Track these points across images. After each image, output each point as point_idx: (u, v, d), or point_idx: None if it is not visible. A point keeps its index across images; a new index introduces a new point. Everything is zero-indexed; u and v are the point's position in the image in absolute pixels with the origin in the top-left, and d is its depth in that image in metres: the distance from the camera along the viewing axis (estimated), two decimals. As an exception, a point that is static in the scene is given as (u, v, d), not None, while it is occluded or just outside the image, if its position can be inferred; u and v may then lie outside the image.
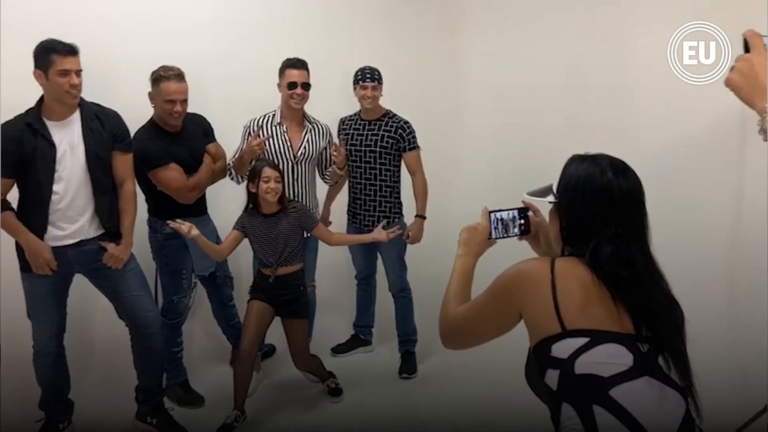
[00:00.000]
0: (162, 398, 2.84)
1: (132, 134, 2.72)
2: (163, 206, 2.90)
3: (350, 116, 3.39)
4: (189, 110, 2.91)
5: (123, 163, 2.61)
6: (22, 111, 2.49)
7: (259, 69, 3.36)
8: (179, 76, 2.81)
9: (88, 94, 2.55)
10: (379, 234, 2.97)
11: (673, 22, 2.86)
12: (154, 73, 2.82)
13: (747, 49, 1.12)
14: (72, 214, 2.51)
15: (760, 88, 1.09)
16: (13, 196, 2.53)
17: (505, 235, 1.54)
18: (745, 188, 2.79)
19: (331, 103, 3.50)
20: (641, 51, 3.11)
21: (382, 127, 3.25)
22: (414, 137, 3.28)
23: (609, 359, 1.13)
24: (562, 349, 1.15)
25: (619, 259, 1.21)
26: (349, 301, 3.73)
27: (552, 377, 1.16)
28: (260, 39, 3.58)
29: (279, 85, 3.12)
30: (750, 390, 2.52)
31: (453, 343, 1.44)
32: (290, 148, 3.14)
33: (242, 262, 3.35)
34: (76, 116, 2.51)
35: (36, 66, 2.41)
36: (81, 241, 2.55)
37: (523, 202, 1.53)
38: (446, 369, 3.35)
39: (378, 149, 3.24)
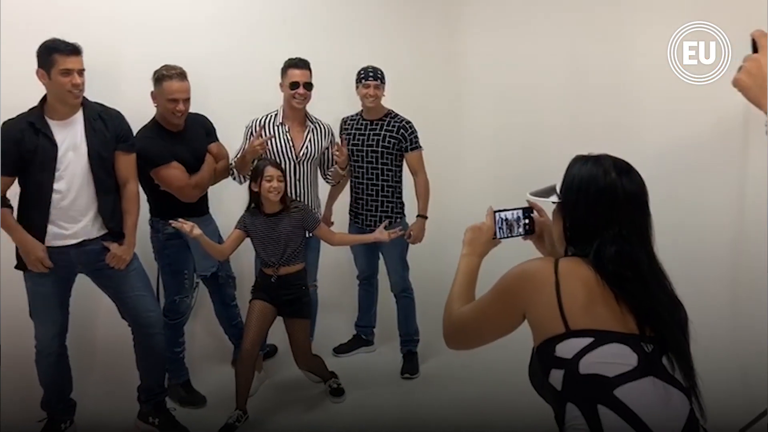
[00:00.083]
0: (164, 398, 2.84)
1: (134, 134, 2.72)
2: (164, 206, 2.90)
3: (352, 116, 3.39)
4: (191, 110, 2.91)
5: (126, 163, 2.61)
6: (22, 111, 2.49)
7: (261, 69, 3.36)
8: (181, 75, 2.82)
9: (90, 94, 2.55)
10: (380, 234, 2.97)
11: (673, 22, 2.86)
12: (156, 72, 2.82)
13: (755, 49, 1.12)
14: (74, 213, 2.51)
15: None
16: (15, 191, 2.54)
17: (510, 235, 1.54)
18: (746, 188, 2.80)
19: (333, 102, 3.50)
20: (641, 51, 3.12)
21: (384, 127, 3.25)
22: (416, 137, 3.28)
23: (613, 359, 1.13)
24: (567, 349, 1.15)
25: (622, 259, 1.22)
26: (351, 301, 3.73)
27: (556, 377, 1.16)
28: (262, 39, 3.59)
29: (281, 85, 3.13)
30: (751, 390, 2.52)
31: (457, 343, 1.44)
32: (292, 148, 3.14)
33: (244, 262, 3.35)
34: (79, 116, 2.51)
35: (39, 65, 2.41)
36: (84, 241, 2.55)
37: (528, 201, 1.53)
38: (448, 369, 3.35)
39: (380, 149, 3.24)
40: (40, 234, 2.48)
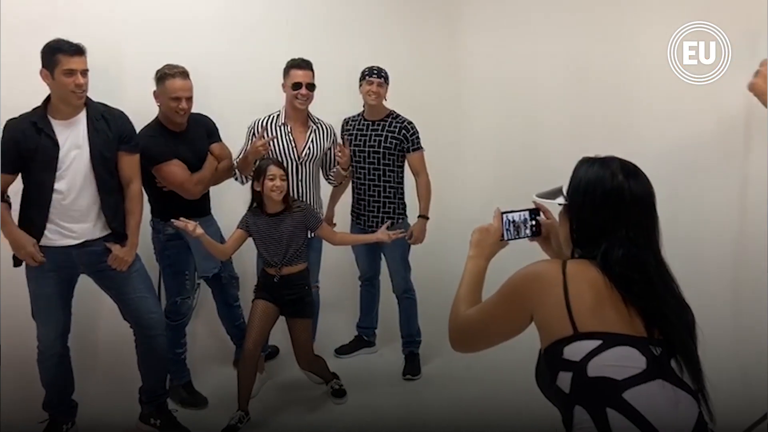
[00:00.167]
0: (165, 400, 2.84)
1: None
2: (166, 206, 2.90)
3: (353, 117, 3.39)
4: (194, 110, 2.91)
5: (129, 164, 2.62)
6: (22, 110, 2.50)
7: (262, 69, 3.37)
8: (184, 73, 2.82)
9: (92, 94, 2.55)
10: (382, 234, 2.97)
11: (673, 22, 2.86)
12: (158, 71, 2.82)
13: None
14: (75, 213, 2.51)
15: None
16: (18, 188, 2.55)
17: (517, 237, 1.54)
18: (747, 188, 2.79)
19: (334, 102, 3.50)
20: (641, 51, 3.12)
21: (386, 128, 3.26)
22: (417, 138, 3.28)
23: (622, 362, 1.13)
24: (575, 351, 1.15)
25: (630, 262, 1.21)
26: (353, 302, 3.73)
27: (564, 380, 1.16)
28: (263, 39, 3.59)
29: (283, 86, 3.13)
30: (752, 390, 2.52)
31: (463, 345, 1.42)
32: (294, 149, 3.14)
33: (248, 262, 3.35)
34: (82, 116, 2.51)
35: (43, 65, 2.42)
36: (86, 241, 2.55)
37: (534, 203, 1.53)
38: (450, 370, 3.34)
39: (382, 150, 3.24)
40: (38, 233, 2.48)
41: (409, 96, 3.62)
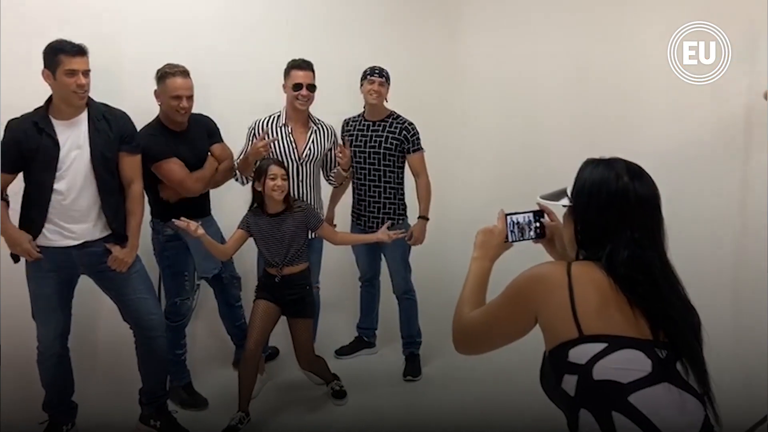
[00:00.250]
0: (166, 401, 2.83)
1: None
2: (166, 207, 2.89)
3: (354, 117, 3.39)
4: (194, 111, 2.90)
5: (130, 164, 2.61)
6: (22, 110, 2.50)
7: (262, 69, 3.36)
8: (184, 72, 2.82)
9: (92, 94, 2.55)
10: (383, 234, 2.97)
11: (673, 22, 2.87)
12: (159, 70, 2.82)
13: None
14: (75, 214, 2.51)
15: None
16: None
17: (521, 239, 1.53)
18: (747, 187, 2.80)
19: (334, 103, 3.49)
20: (641, 51, 3.12)
21: (387, 129, 3.25)
22: (418, 139, 3.28)
23: (627, 365, 1.12)
24: (580, 354, 1.14)
25: (635, 263, 1.21)
26: (353, 303, 3.72)
27: (569, 383, 1.15)
28: (263, 39, 3.58)
29: (284, 86, 3.12)
30: (753, 390, 2.52)
31: (467, 348, 1.41)
32: (295, 150, 3.14)
33: (249, 262, 3.34)
34: (84, 116, 2.51)
35: (45, 65, 2.42)
36: (86, 242, 2.55)
37: (538, 204, 1.52)
38: (450, 371, 3.34)
39: (382, 150, 3.24)
40: (36, 232, 2.48)
41: (409, 96, 3.61)
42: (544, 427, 2.03)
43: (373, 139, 3.25)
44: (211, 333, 3.50)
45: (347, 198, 3.49)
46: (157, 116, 2.90)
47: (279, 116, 3.17)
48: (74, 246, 2.53)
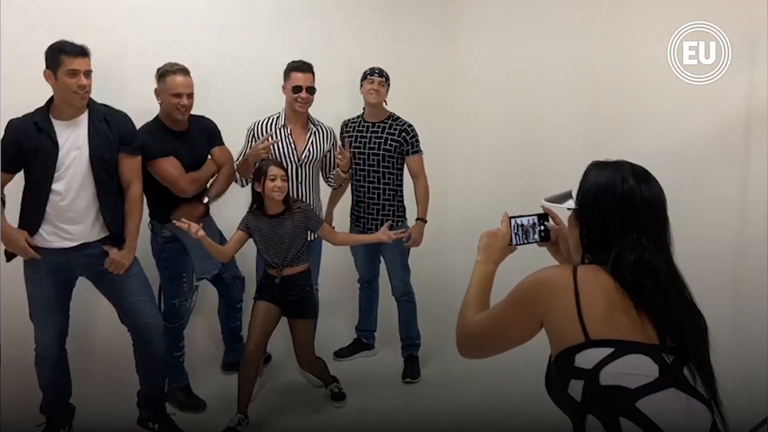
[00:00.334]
0: (164, 403, 2.82)
1: None
2: (164, 208, 2.88)
3: (353, 119, 3.38)
4: (193, 111, 2.90)
5: (129, 166, 2.60)
6: (23, 111, 2.49)
7: (261, 69, 3.36)
8: (184, 70, 2.82)
9: (92, 94, 2.54)
10: (383, 234, 2.95)
11: (673, 22, 2.87)
12: (159, 69, 2.82)
13: None
14: (72, 215, 2.50)
15: None
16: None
17: (525, 242, 1.53)
18: (747, 187, 2.80)
19: (333, 103, 3.49)
20: (641, 51, 3.12)
21: (386, 130, 3.24)
22: (417, 141, 3.27)
23: (635, 370, 1.11)
24: (587, 359, 1.13)
25: (641, 267, 1.20)
26: (352, 304, 3.72)
27: (576, 388, 1.14)
28: (263, 39, 3.57)
29: (284, 88, 3.11)
30: (753, 391, 2.52)
31: (471, 351, 1.40)
32: (294, 151, 3.13)
33: (250, 262, 3.33)
34: (84, 117, 2.50)
35: (47, 66, 2.42)
36: (83, 243, 2.53)
37: (543, 207, 1.51)
38: (449, 373, 3.33)
39: (381, 152, 3.23)
40: (33, 232, 2.47)
41: (409, 96, 3.61)
42: (543, 428, 2.02)
43: (373, 140, 3.24)
44: (209, 335, 3.49)
45: (345, 200, 3.48)
46: (157, 115, 2.89)
47: (278, 117, 3.16)
48: (72, 248, 2.52)
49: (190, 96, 2.83)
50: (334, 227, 3.46)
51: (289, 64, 3.09)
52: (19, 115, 2.49)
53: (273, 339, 3.09)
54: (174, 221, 2.63)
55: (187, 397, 3.07)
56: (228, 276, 3.19)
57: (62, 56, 2.39)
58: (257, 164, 2.87)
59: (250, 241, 2.86)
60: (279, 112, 3.17)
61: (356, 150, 3.27)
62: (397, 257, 3.36)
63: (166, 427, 2.77)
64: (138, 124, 2.72)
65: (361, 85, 3.24)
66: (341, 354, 3.62)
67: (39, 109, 2.48)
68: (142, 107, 2.83)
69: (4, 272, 2.64)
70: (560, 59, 3.60)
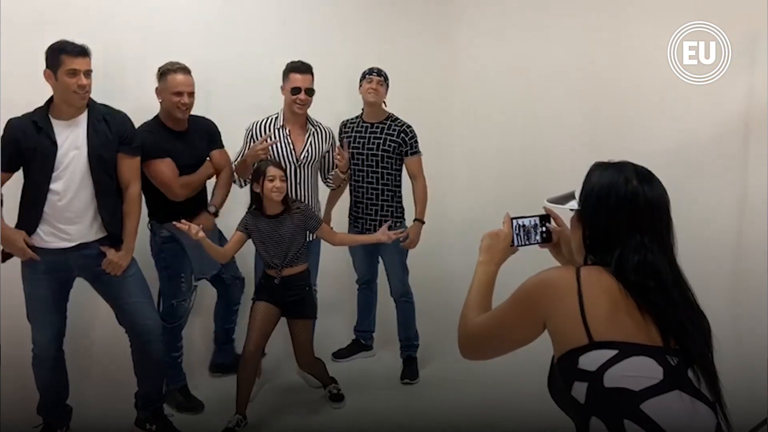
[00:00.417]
0: (162, 404, 2.81)
1: None
2: (164, 208, 2.87)
3: (352, 119, 3.37)
4: (193, 112, 2.88)
5: (128, 166, 2.59)
6: (22, 111, 2.49)
7: (260, 70, 3.35)
8: (185, 69, 2.82)
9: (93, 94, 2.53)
10: (382, 234, 2.94)
11: (673, 22, 2.87)
12: (160, 68, 2.81)
13: None
14: (70, 215, 2.49)
15: None
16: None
17: (527, 243, 1.51)
18: (747, 187, 2.80)
19: (333, 103, 3.48)
20: (641, 51, 3.12)
21: (385, 131, 3.23)
22: (416, 142, 3.27)
23: (639, 372, 1.10)
24: (590, 361, 1.12)
25: (645, 269, 1.19)
26: (350, 305, 3.71)
27: (579, 390, 1.13)
28: (262, 40, 3.55)
29: (282, 88, 3.10)
30: (753, 391, 2.51)
31: (473, 353, 1.39)
32: (293, 152, 3.12)
33: (250, 263, 3.32)
34: (84, 117, 2.49)
35: (47, 66, 2.41)
36: (81, 244, 2.52)
37: (545, 208, 1.50)
38: (448, 374, 3.32)
39: (380, 153, 3.22)
40: (31, 232, 2.46)
41: (409, 96, 3.61)
42: (544, 430, 2.02)
43: (371, 141, 3.23)
44: (207, 335, 3.47)
45: (344, 201, 3.47)
46: (157, 114, 2.88)
47: (277, 118, 3.15)
48: (70, 248, 2.51)
49: (191, 95, 2.82)
50: (332, 228, 3.46)
51: (288, 64, 3.08)
52: (19, 114, 2.48)
53: (272, 339, 3.07)
54: (174, 222, 2.62)
55: (185, 398, 3.06)
56: (228, 276, 3.19)
57: (62, 56, 2.38)
58: (256, 165, 2.86)
59: (250, 241, 2.85)
60: (278, 113, 3.16)
61: (355, 150, 3.26)
62: (396, 258, 3.36)
63: (164, 428, 2.76)
64: (137, 124, 2.72)
65: (360, 85, 3.24)
66: (340, 355, 3.61)
67: (38, 108, 2.47)
68: (142, 107, 2.83)
69: (4, 272, 2.62)
70: (560, 59, 3.60)
